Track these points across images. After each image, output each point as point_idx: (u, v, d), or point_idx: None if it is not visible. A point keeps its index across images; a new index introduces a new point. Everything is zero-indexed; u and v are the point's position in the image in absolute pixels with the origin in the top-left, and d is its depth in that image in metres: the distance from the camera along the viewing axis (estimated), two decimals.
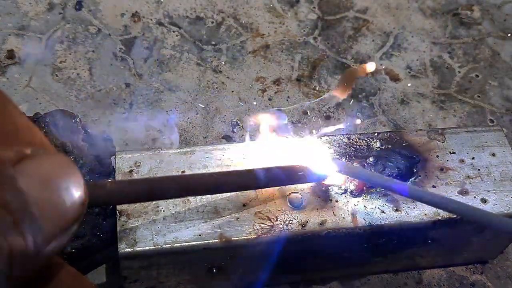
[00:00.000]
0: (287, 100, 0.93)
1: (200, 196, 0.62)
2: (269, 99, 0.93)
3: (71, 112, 0.71)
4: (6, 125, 0.26)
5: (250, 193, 0.63)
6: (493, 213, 0.58)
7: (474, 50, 1.03)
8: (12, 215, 0.23)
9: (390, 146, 0.69)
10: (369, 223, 0.63)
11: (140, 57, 0.96)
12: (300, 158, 0.66)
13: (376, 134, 0.71)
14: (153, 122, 0.85)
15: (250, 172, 0.59)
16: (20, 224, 0.23)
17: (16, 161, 0.24)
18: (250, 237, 0.61)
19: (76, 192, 0.26)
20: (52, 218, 0.25)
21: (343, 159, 0.67)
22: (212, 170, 0.65)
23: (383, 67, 0.99)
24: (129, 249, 0.58)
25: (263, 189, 0.63)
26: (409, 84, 0.97)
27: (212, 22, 1.02)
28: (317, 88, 0.95)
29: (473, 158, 0.70)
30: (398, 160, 0.68)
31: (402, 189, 0.59)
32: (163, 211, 0.61)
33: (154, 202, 0.61)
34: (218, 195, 0.62)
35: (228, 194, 0.63)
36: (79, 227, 0.26)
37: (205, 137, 0.87)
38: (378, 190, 0.65)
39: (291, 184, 0.63)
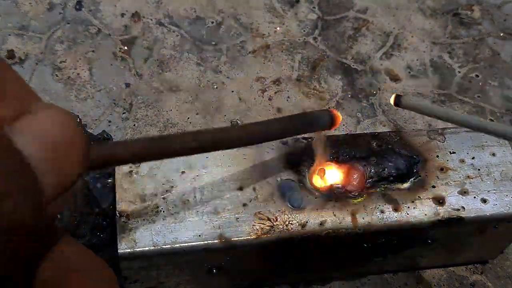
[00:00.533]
0: (287, 100, 0.93)
1: (199, 197, 0.62)
2: (269, 99, 0.93)
3: (71, 112, 0.71)
4: (4, 81, 0.24)
5: (250, 193, 0.63)
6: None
7: (474, 50, 1.03)
8: (9, 181, 0.21)
9: (390, 146, 0.69)
10: (369, 223, 0.63)
11: (140, 57, 0.96)
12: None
13: (376, 134, 0.71)
14: None
15: (264, 124, 0.54)
16: (18, 191, 0.21)
17: (13, 118, 0.22)
18: (250, 237, 0.61)
19: (77, 148, 0.24)
20: (52, 179, 0.23)
21: (342, 159, 0.67)
22: (211, 170, 0.65)
23: (383, 67, 0.99)
24: (129, 250, 0.58)
25: (263, 189, 0.63)
26: (409, 84, 0.97)
27: (212, 22, 1.02)
28: (317, 88, 0.95)
29: (473, 158, 0.69)
30: (398, 160, 0.68)
31: None
32: (163, 211, 0.61)
33: (153, 203, 0.61)
34: (217, 194, 0.62)
35: (228, 194, 0.62)
36: (76, 183, 0.24)
37: None
38: (377, 190, 0.65)
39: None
